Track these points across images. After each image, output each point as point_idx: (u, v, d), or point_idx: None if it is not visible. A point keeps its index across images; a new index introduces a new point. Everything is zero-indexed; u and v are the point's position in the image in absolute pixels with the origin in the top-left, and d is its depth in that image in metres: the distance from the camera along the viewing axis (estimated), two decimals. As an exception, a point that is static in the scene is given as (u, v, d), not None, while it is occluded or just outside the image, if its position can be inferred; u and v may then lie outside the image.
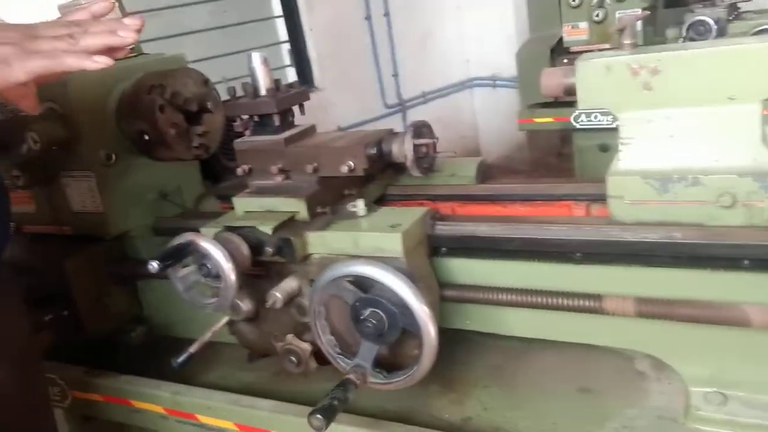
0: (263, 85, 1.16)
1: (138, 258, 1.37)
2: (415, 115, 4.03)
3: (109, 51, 0.81)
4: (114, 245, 1.38)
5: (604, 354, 1.12)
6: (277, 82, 1.19)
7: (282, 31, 3.47)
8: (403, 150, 1.11)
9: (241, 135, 1.27)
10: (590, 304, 0.92)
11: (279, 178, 1.15)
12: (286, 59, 3.51)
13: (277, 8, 3.40)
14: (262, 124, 1.18)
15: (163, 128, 1.33)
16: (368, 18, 3.63)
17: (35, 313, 1.25)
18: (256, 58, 1.16)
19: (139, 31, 0.81)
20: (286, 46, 3.48)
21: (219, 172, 1.68)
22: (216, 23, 3.16)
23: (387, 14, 3.73)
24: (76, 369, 1.32)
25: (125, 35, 0.80)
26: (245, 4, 3.30)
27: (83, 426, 1.38)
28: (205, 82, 1.43)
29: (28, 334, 1.01)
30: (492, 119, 4.29)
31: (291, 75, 3.55)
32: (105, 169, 1.35)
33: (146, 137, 1.35)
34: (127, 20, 0.81)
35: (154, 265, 0.94)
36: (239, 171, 1.19)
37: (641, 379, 1.08)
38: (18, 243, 1.39)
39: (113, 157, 1.36)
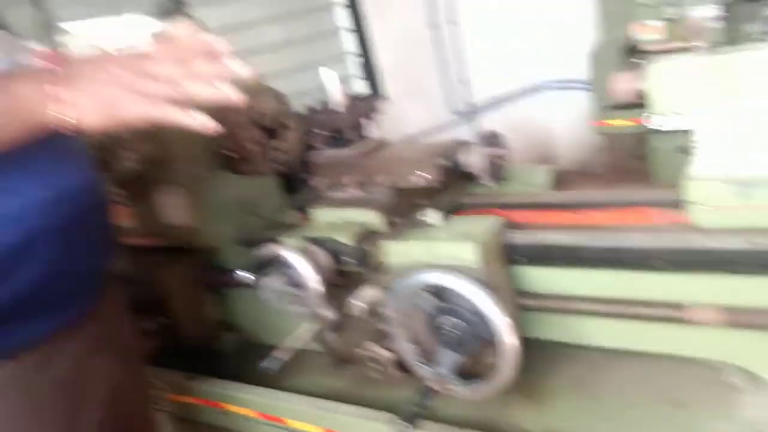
0: (337, 100, 1.21)
1: (227, 268, 1.45)
2: (486, 120, 4.01)
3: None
4: (205, 256, 1.47)
5: (690, 365, 1.07)
6: (350, 97, 1.24)
7: (351, 43, 3.55)
8: (475, 160, 1.13)
9: (317, 149, 1.33)
10: (674, 313, 0.90)
11: (355, 190, 1.20)
12: (356, 70, 3.59)
13: (345, 21, 3.48)
14: (337, 138, 1.23)
15: (246, 145, 1.41)
16: (436, 26, 3.65)
17: (138, 321, 1.35)
18: (330, 74, 1.21)
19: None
20: (355, 58, 3.56)
21: (296, 185, 1.75)
22: (286, 37, 3.27)
23: (455, 22, 3.73)
24: (175, 374, 1.40)
25: (230, 92, 0.80)
26: (314, 19, 3.40)
27: (179, 427, 1.47)
28: (283, 99, 1.51)
29: (136, 338, 1.10)
30: (564, 123, 4.20)
31: (360, 86, 3.62)
32: (195, 185, 1.44)
33: (231, 154, 1.43)
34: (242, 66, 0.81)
35: (244, 276, 1.00)
36: (316, 184, 1.24)
37: (732, 391, 1.03)
38: (119, 255, 1.50)
39: (203, 172, 1.45)
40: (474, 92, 3.89)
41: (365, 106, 1.19)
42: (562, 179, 1.36)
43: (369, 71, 3.55)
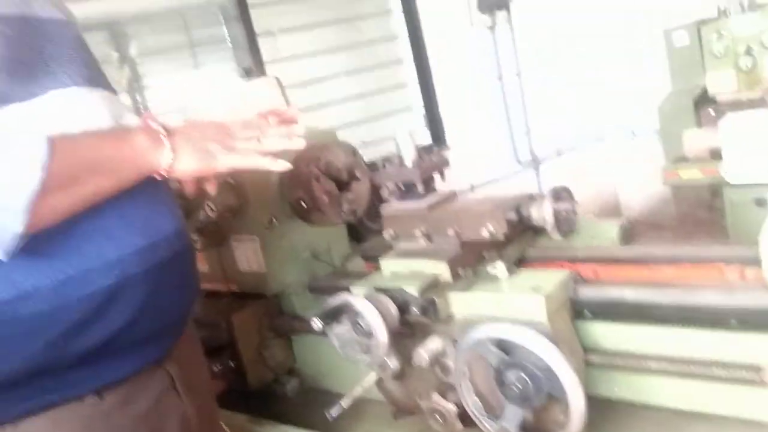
0: (407, 155, 1.25)
1: (294, 313, 1.50)
2: (550, 170, 4.00)
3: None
4: (273, 301, 1.53)
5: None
6: (419, 151, 1.28)
7: (417, 95, 3.65)
8: (543, 214, 1.15)
9: (387, 200, 1.37)
10: (750, 375, 0.87)
11: (422, 242, 1.23)
12: (421, 120, 3.68)
13: (412, 74, 3.59)
14: (406, 191, 1.27)
15: (319, 196, 1.47)
16: (500, 78, 3.71)
17: (209, 363, 1.41)
18: (401, 130, 1.27)
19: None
20: (421, 109, 3.65)
21: (363, 233, 1.80)
22: (357, 90, 3.40)
23: (519, 74, 3.78)
24: (239, 416, 1.45)
25: (296, 143, 1.00)
26: (383, 73, 3.52)
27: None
28: (354, 152, 1.57)
29: (209, 379, 1.16)
30: (632, 173, 4.13)
31: (425, 135, 3.70)
32: (268, 233, 1.51)
33: (304, 204, 1.50)
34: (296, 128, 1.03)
35: (316, 323, 1.04)
36: (386, 235, 1.28)
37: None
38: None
39: (275, 221, 1.52)
40: (538, 142, 3.90)
41: (436, 160, 1.23)
42: (632, 232, 1.34)
43: (433, 121, 3.63)
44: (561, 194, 1.16)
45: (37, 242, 0.81)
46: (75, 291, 0.85)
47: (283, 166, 0.98)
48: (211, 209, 1.49)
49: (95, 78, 0.99)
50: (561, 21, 3.99)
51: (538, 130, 3.93)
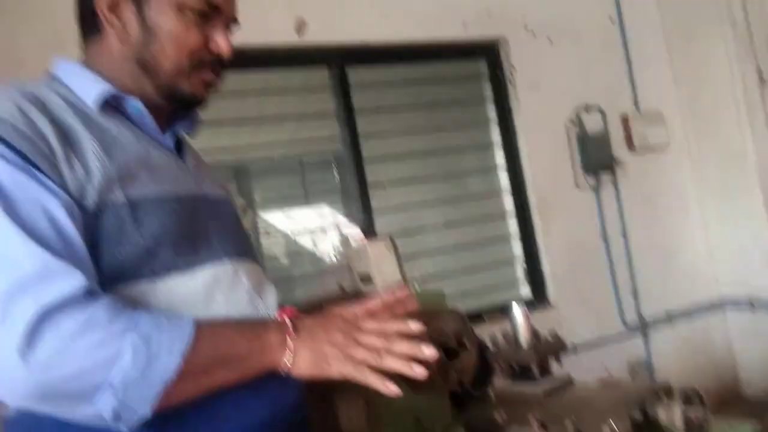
0: (523, 335, 1.23)
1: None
2: (658, 335, 3.76)
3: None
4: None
5: None
6: (535, 332, 1.26)
7: (517, 249, 3.64)
8: (672, 418, 1.06)
9: (497, 377, 1.33)
10: None
11: (537, 429, 1.16)
12: (522, 275, 3.64)
13: (513, 228, 3.62)
14: (521, 373, 1.23)
15: (426, 364, 1.46)
16: (604, 237, 3.65)
17: None
18: (517, 309, 1.26)
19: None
20: (522, 263, 3.62)
21: (465, 401, 1.74)
22: (457, 241, 3.45)
23: (624, 234, 3.71)
24: None
25: (419, 372, 0.94)
26: (486, 226, 3.57)
27: None
28: (463, 320, 1.56)
29: None
30: (752, 345, 3.80)
31: (525, 291, 3.63)
32: (373, 396, 1.48)
33: (410, 371, 1.48)
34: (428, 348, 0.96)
35: None
36: (497, 417, 1.23)
37: None
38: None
39: (379, 385, 1.51)
40: (647, 305, 3.71)
41: (553, 345, 1.20)
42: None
43: (535, 277, 3.58)
44: (691, 397, 1.08)
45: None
46: None
47: (393, 391, 0.93)
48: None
49: (247, 251, 1.08)
50: (669, 181, 3.95)
51: (646, 292, 3.75)
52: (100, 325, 0.76)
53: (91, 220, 0.86)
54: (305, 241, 3.56)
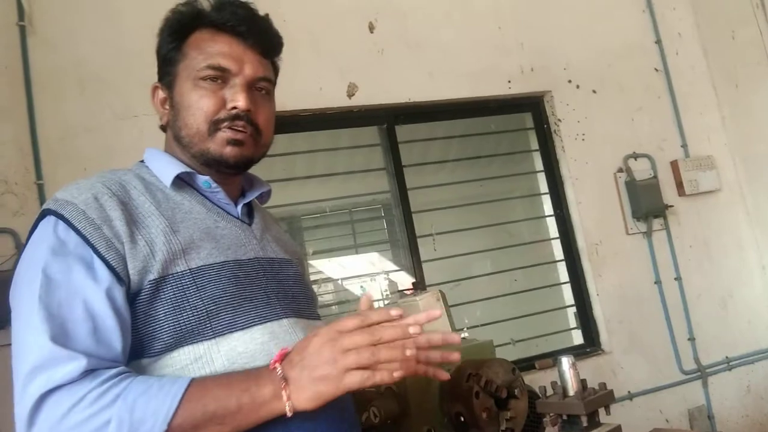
0: (572, 386, 1.29)
1: None
2: (718, 381, 3.66)
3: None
4: None
5: None
6: (583, 382, 1.31)
7: (568, 294, 3.65)
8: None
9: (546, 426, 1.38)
10: None
11: (586, 478, 1.21)
12: (573, 321, 3.63)
13: (564, 275, 3.63)
14: (570, 422, 1.28)
15: (478, 412, 1.52)
16: (658, 282, 3.62)
17: None
18: (566, 362, 1.32)
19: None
20: (573, 309, 3.62)
21: (517, 450, 1.78)
22: (509, 289, 3.49)
23: (678, 278, 3.67)
24: None
25: (411, 353, 0.94)
26: (533, 272, 3.61)
27: None
28: (513, 370, 1.63)
29: None
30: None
31: (576, 337, 3.62)
32: (425, 443, 1.56)
33: (462, 419, 1.55)
34: (413, 327, 0.96)
35: None
36: (548, 466, 1.28)
37: None
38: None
39: (433, 433, 1.58)
40: (704, 351, 3.63)
41: (600, 395, 1.25)
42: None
43: (587, 323, 3.56)
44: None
45: None
46: None
47: (400, 374, 0.94)
48: (375, 414, 1.59)
49: (304, 308, 1.19)
50: (724, 224, 3.90)
51: (704, 337, 3.67)
52: (91, 399, 0.85)
53: (153, 290, 0.99)
54: (355, 288, 3.67)
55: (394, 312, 0.98)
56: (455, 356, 1.12)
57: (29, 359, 0.87)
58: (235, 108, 1.11)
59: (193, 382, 0.91)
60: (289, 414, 0.93)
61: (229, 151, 1.12)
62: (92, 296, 0.93)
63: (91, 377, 0.88)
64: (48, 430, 0.84)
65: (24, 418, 0.86)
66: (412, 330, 0.95)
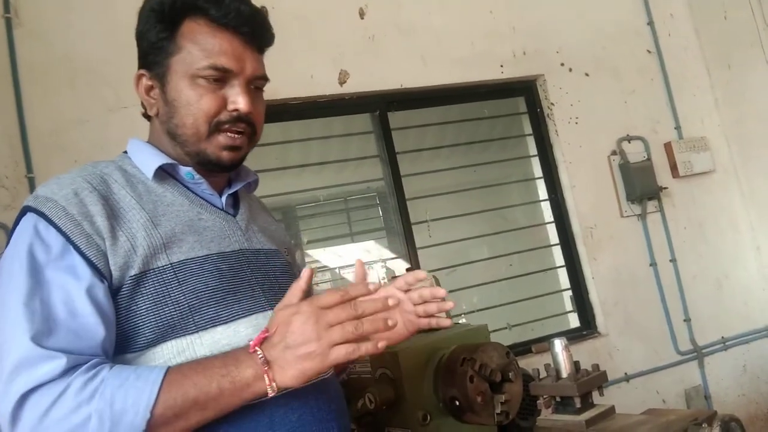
0: (565, 368, 1.29)
1: None
2: (715, 362, 3.68)
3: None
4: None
5: None
6: (576, 364, 1.32)
7: (563, 278, 3.66)
8: (712, 444, 1.11)
9: (539, 408, 1.39)
10: None
11: (580, 458, 1.22)
12: (569, 305, 3.64)
13: (559, 259, 3.64)
14: (563, 404, 1.29)
15: (472, 396, 1.53)
16: (653, 265, 3.63)
17: None
18: (558, 344, 1.32)
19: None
20: (568, 293, 3.63)
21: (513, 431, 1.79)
22: (506, 274, 3.50)
23: (673, 260, 3.68)
24: None
25: (393, 323, 0.95)
26: (528, 257, 3.61)
27: None
28: (507, 354, 1.63)
29: None
30: (815, 372, 3.68)
31: (573, 320, 3.63)
32: (421, 428, 1.56)
33: (457, 403, 1.55)
34: (392, 298, 0.98)
35: None
36: (542, 447, 1.29)
37: None
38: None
39: (428, 417, 1.58)
40: (700, 332, 3.65)
41: (593, 377, 1.26)
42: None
43: (581, 305, 3.58)
44: (731, 425, 1.12)
45: None
46: None
47: (383, 344, 0.95)
48: (370, 401, 1.59)
49: None
50: (718, 206, 3.91)
51: (699, 318, 3.69)
52: (70, 396, 0.85)
53: (134, 285, 0.98)
54: (352, 277, 3.68)
55: (372, 286, 0.98)
56: (449, 305, 1.17)
57: (11, 358, 0.87)
58: (236, 110, 1.09)
59: (171, 370, 0.91)
60: (271, 395, 0.93)
61: (226, 155, 1.11)
62: (73, 294, 0.93)
63: (69, 374, 0.88)
64: (30, 429, 0.85)
65: (7, 417, 0.86)
66: (390, 302, 0.96)
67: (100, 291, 0.95)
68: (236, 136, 1.10)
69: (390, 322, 0.94)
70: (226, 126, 1.09)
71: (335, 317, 0.93)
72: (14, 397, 0.85)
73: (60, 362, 0.88)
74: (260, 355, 0.93)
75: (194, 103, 1.08)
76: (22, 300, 0.90)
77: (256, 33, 1.12)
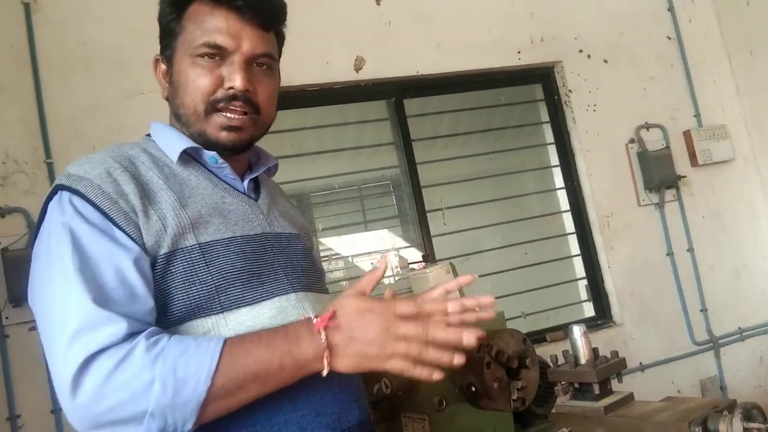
0: (583, 354, 1.29)
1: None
2: (731, 352, 3.65)
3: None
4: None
5: None
6: (595, 351, 1.31)
7: (579, 267, 3.63)
8: (733, 432, 1.09)
9: (557, 395, 1.39)
10: None
11: (598, 445, 1.21)
12: (585, 294, 3.62)
13: (575, 248, 3.62)
14: (582, 391, 1.28)
15: (489, 382, 1.52)
16: (670, 254, 3.59)
17: None
18: (577, 330, 1.31)
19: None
20: (584, 282, 3.61)
21: (528, 418, 1.78)
22: (521, 262, 3.48)
23: (691, 250, 3.64)
24: None
25: (459, 361, 0.94)
26: (548, 247, 3.59)
27: None
28: (524, 340, 1.62)
29: None
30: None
31: (588, 310, 3.61)
32: (436, 414, 1.56)
33: (474, 389, 1.55)
34: (467, 334, 0.95)
35: None
36: (559, 433, 1.28)
37: None
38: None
39: (444, 403, 1.58)
40: (717, 322, 3.62)
41: (612, 363, 1.25)
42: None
43: (598, 295, 3.56)
44: (751, 413, 1.11)
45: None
46: None
47: (438, 376, 0.95)
48: (386, 386, 1.59)
49: (313, 283, 1.18)
50: (737, 195, 3.85)
51: (716, 308, 3.66)
52: (134, 361, 0.85)
53: (165, 264, 0.99)
54: (365, 265, 3.68)
55: (451, 307, 0.96)
56: (489, 314, 1.05)
57: (71, 323, 0.87)
58: (232, 88, 1.08)
59: (231, 341, 0.91)
60: (324, 374, 0.93)
61: (225, 136, 1.10)
62: (122, 265, 0.93)
63: (130, 340, 0.88)
64: (92, 392, 0.84)
65: (68, 382, 0.84)
66: (465, 341, 0.94)
67: (146, 263, 0.96)
68: (234, 116, 1.09)
69: (456, 361, 0.94)
70: (222, 104, 1.08)
71: (406, 332, 0.92)
72: (77, 361, 0.84)
73: (122, 326, 0.87)
74: (323, 339, 0.92)
75: (192, 82, 1.08)
76: (73, 269, 0.90)
77: (255, 8, 1.09)
